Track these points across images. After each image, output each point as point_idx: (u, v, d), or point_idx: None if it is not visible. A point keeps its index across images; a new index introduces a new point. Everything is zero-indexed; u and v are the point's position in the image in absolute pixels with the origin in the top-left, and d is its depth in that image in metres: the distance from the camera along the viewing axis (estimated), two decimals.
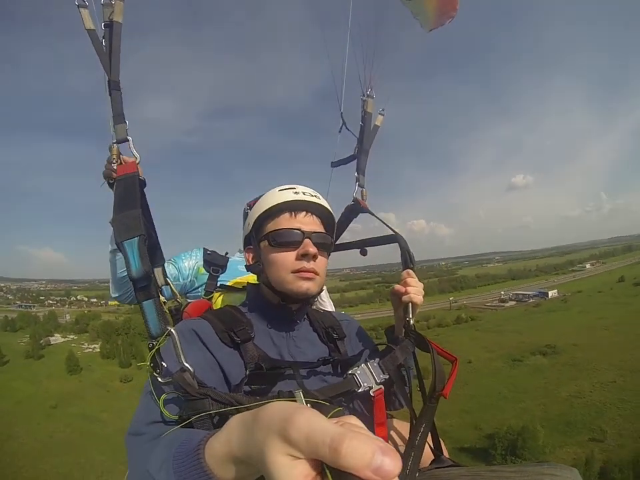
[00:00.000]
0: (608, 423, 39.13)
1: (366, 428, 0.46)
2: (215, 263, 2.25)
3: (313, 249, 1.24)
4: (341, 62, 1.98)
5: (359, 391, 1.18)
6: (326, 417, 0.44)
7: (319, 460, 0.41)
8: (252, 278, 1.56)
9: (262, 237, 1.30)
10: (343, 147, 2.09)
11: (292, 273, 1.24)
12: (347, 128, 2.03)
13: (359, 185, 1.91)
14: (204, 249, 2.37)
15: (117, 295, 2.06)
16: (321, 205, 1.32)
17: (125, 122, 1.27)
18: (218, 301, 1.92)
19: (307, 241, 1.25)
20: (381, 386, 1.21)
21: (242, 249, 2.07)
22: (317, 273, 1.27)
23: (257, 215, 1.29)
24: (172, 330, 1.00)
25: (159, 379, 0.98)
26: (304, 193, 1.29)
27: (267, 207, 1.27)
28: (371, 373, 1.22)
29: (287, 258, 1.24)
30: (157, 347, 0.99)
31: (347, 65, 1.97)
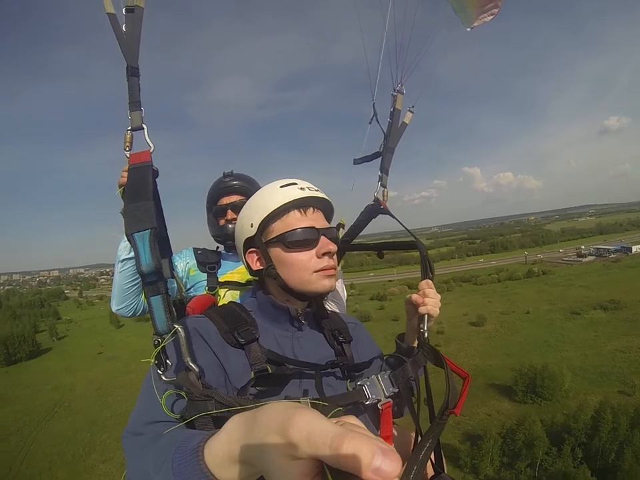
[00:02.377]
0: None
1: (366, 428, 0.44)
2: (209, 262, 2.14)
3: (333, 247, 1.18)
4: (377, 48, 1.81)
5: (367, 403, 1.11)
6: (326, 417, 0.43)
7: (319, 460, 0.40)
8: (243, 270, 1.48)
9: (272, 238, 1.17)
10: (371, 141, 1.89)
11: (315, 272, 1.16)
12: (377, 120, 1.86)
13: (381, 185, 1.77)
14: (194, 249, 2.22)
15: (118, 308, 1.93)
16: (325, 199, 1.23)
17: (141, 109, 1.20)
18: (224, 296, 1.89)
19: (323, 238, 1.17)
20: (390, 399, 1.14)
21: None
22: (335, 268, 1.21)
23: (262, 217, 1.16)
24: (179, 328, 0.93)
25: (163, 378, 0.92)
26: (309, 188, 1.19)
27: (275, 207, 1.15)
28: (381, 385, 1.15)
29: (307, 258, 1.16)
30: (162, 344, 0.93)
31: (382, 56, 1.80)
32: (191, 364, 0.92)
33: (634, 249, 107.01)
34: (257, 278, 1.30)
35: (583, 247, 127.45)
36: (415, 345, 1.37)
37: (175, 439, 0.73)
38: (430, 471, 1.27)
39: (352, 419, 0.46)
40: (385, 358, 1.45)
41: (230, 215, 2.13)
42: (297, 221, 1.17)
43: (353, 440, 0.38)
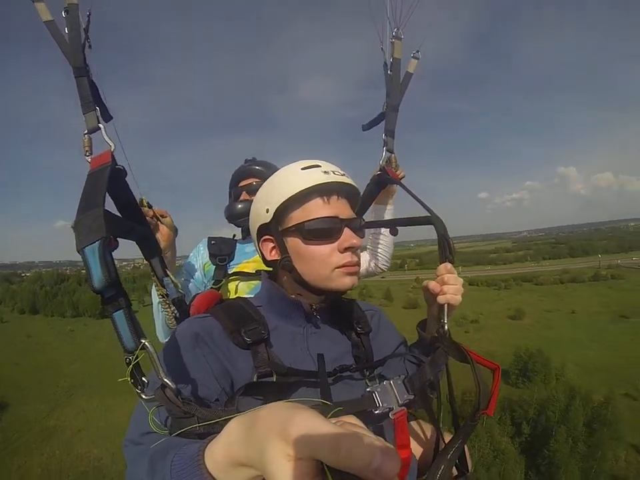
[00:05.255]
0: None
1: (366, 428, 0.43)
2: (220, 254, 1.95)
3: (357, 241, 1.04)
4: None
5: (377, 412, 0.96)
6: (326, 416, 0.42)
7: (319, 460, 0.39)
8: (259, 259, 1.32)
9: (290, 227, 1.04)
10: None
11: (336, 269, 1.03)
12: (383, 67, 1.58)
13: (387, 150, 1.53)
14: (208, 239, 2.03)
15: (165, 340, 1.66)
16: (351, 184, 1.08)
17: (96, 109, 1.10)
18: (232, 289, 1.79)
19: (347, 231, 1.03)
20: (403, 408, 0.99)
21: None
22: (358, 265, 1.08)
23: (281, 201, 1.01)
24: (146, 343, 0.83)
25: (143, 396, 0.83)
26: (334, 172, 1.04)
27: (294, 192, 1.00)
28: (394, 392, 1.01)
29: (328, 252, 1.02)
30: (134, 362, 0.83)
31: None
32: (165, 380, 0.81)
33: None
34: (270, 268, 1.17)
35: None
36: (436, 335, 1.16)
37: (174, 445, 0.71)
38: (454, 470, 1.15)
39: (352, 419, 0.45)
40: (403, 342, 1.33)
41: (244, 196, 2.03)
42: (318, 209, 1.02)
43: (352, 440, 0.37)
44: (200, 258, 2.02)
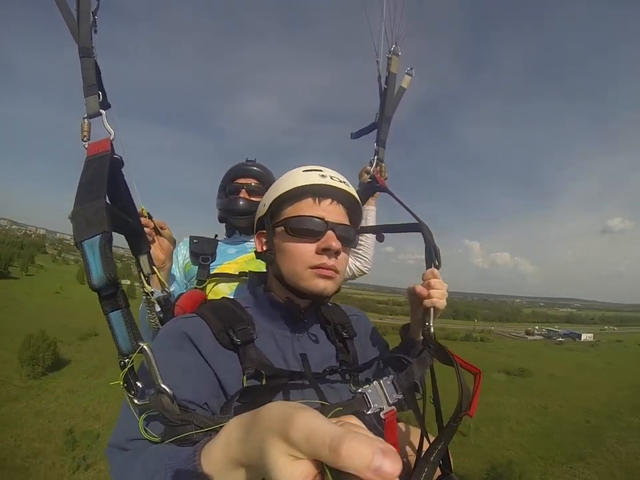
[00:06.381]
0: (491, 429, 35.50)
1: (366, 428, 0.42)
2: (203, 253, 1.93)
3: (336, 244, 1.02)
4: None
5: (368, 412, 0.95)
6: (326, 416, 0.41)
7: (320, 460, 0.38)
8: (245, 259, 1.42)
9: (278, 221, 1.06)
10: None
11: (309, 268, 1.01)
12: (378, 80, 1.65)
13: (377, 159, 1.59)
14: (190, 238, 2.00)
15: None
16: (349, 192, 1.08)
17: (97, 93, 1.03)
18: (212, 290, 1.76)
19: (329, 233, 1.03)
20: (393, 407, 0.99)
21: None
22: (337, 272, 1.05)
23: (275, 196, 1.05)
24: (144, 346, 0.79)
25: (135, 401, 0.79)
26: (332, 177, 1.05)
27: (288, 189, 1.03)
28: (384, 392, 0.99)
29: (306, 250, 1.02)
30: (129, 366, 0.80)
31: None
32: (162, 385, 0.78)
33: (583, 336, 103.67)
34: (263, 262, 1.18)
35: (537, 327, 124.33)
36: (421, 339, 1.19)
37: (169, 449, 0.69)
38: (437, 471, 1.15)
39: (352, 419, 0.45)
40: (386, 347, 1.32)
41: (243, 193, 1.97)
42: (307, 208, 1.05)
43: (352, 440, 0.36)
44: (181, 258, 1.94)
